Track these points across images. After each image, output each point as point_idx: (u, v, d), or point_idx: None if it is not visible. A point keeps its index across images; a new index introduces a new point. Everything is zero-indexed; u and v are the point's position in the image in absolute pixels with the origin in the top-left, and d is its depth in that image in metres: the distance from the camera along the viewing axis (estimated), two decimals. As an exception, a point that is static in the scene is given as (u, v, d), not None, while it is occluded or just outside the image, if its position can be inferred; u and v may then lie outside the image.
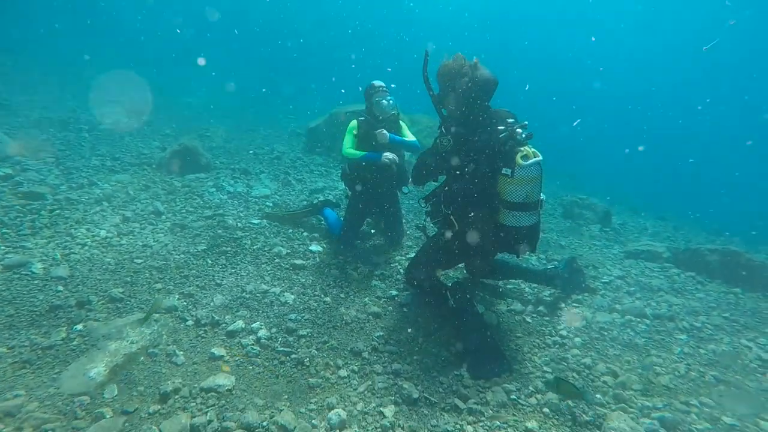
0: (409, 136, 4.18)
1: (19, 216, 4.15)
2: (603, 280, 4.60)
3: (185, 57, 17.32)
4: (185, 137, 6.65)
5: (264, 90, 15.30)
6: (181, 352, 2.73)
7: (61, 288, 3.20)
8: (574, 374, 2.95)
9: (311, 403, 2.45)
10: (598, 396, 2.74)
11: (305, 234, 4.66)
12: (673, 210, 10.42)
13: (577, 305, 3.92)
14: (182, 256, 3.89)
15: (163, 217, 4.62)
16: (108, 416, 2.17)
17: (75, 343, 2.70)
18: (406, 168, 4.30)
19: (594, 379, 2.93)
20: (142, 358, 2.65)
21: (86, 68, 11.69)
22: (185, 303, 3.23)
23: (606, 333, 3.52)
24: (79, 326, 2.84)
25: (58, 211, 4.37)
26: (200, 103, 11.58)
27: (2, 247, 3.61)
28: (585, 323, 3.63)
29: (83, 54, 12.38)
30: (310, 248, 4.32)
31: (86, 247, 3.82)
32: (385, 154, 3.93)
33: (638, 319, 3.80)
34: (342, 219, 4.52)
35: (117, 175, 5.54)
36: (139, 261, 3.70)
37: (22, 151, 5.64)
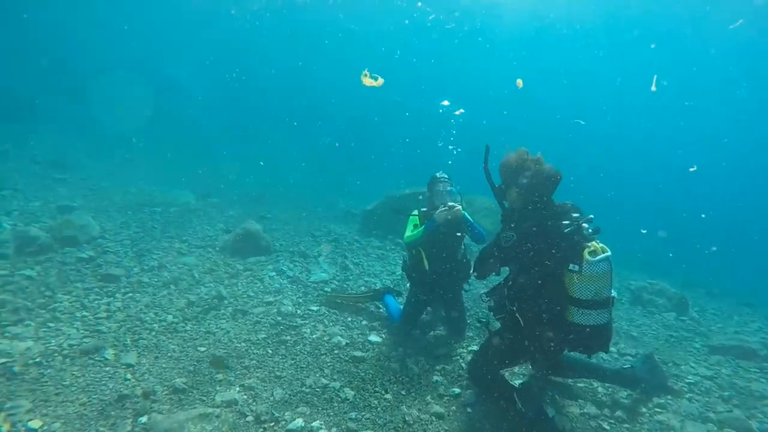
0: (476, 225, 4.20)
1: (97, 299, 4.41)
2: (688, 380, 4.13)
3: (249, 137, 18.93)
4: (247, 219, 7.00)
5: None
6: (241, 453, 2.63)
7: (129, 376, 3.27)
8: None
9: None
10: None
11: (364, 323, 4.59)
12: (762, 293, 9.41)
13: (660, 410, 3.49)
14: (243, 344, 3.90)
15: (225, 302, 4.74)
16: None
17: (139, 438, 2.68)
18: (467, 260, 4.26)
19: None
20: (202, 458, 2.57)
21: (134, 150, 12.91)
22: (245, 396, 3.17)
23: (704, 449, 3.08)
24: (144, 418, 2.83)
25: (130, 294, 4.60)
26: (259, 184, 12.32)
27: (81, 331, 3.79)
28: (674, 434, 3.21)
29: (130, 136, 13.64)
30: (369, 338, 4.22)
31: (153, 333, 3.94)
32: (437, 213, 3.87)
33: (742, 435, 3.31)
34: (402, 307, 4.44)
35: (184, 258, 5.85)
36: (202, 349, 3.75)
37: (103, 233, 6.15)
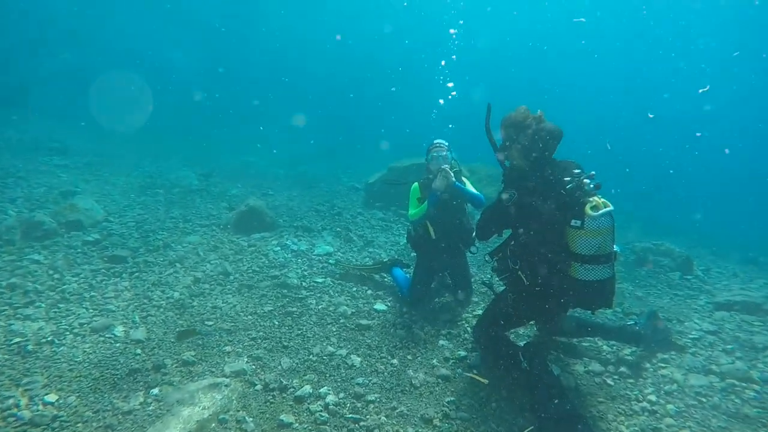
0: (473, 191, 4.16)
1: (105, 279, 4.48)
2: (691, 336, 4.16)
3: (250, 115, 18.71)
4: (251, 197, 7.02)
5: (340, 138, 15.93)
6: (251, 419, 2.70)
7: (139, 351, 3.35)
8: (676, 451, 2.61)
9: (384, 479, 2.31)
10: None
11: (369, 292, 4.64)
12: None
13: (664, 365, 3.54)
14: (250, 317, 3.97)
15: (231, 277, 4.80)
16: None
17: (151, 408, 2.76)
18: (471, 226, 4.25)
19: (701, 458, 2.57)
20: (213, 424, 2.66)
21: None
22: (254, 366, 3.25)
23: (705, 400, 3.13)
24: (156, 390, 2.92)
25: (137, 274, 4.67)
26: (262, 162, 12.29)
27: (90, 310, 3.87)
28: (677, 387, 3.25)
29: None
30: (374, 307, 4.27)
31: (161, 309, 4.01)
32: (434, 183, 3.93)
33: (744, 384, 3.34)
34: (410, 278, 4.48)
35: (189, 237, 5.89)
36: (210, 323, 3.82)
37: (108, 216, 6.20)
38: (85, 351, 3.30)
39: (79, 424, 2.57)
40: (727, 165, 23.40)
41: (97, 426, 2.57)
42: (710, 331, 4.31)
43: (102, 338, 3.49)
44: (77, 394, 2.82)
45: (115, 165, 9.34)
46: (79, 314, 3.79)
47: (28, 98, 13.30)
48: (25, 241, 5.07)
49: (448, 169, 3.91)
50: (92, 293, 4.18)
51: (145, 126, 13.86)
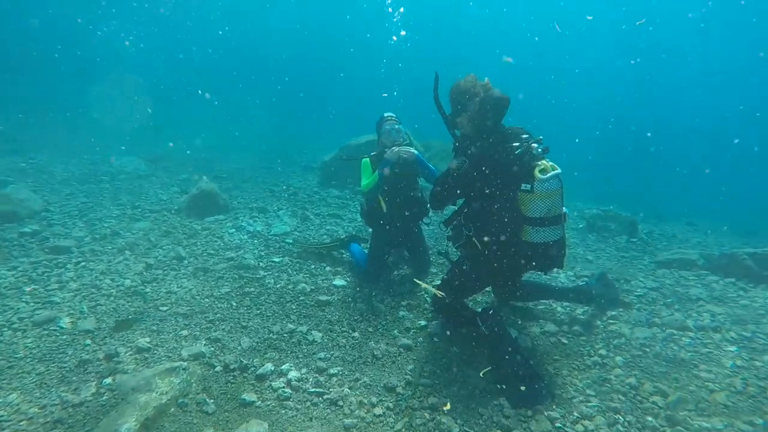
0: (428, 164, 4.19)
1: (47, 271, 4.21)
2: (637, 293, 4.43)
3: (191, 93, 17.84)
4: (202, 180, 6.76)
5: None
6: (212, 400, 2.66)
7: (89, 341, 3.19)
8: (620, 396, 2.79)
9: (348, 446, 2.35)
10: (649, 419, 2.57)
11: (328, 269, 4.62)
12: (701, 215, 10.08)
13: (613, 321, 3.76)
14: (206, 300, 3.86)
15: (185, 261, 4.64)
16: (141, 475, 2.10)
17: (105, 398, 2.65)
18: (424, 198, 4.28)
19: (642, 400, 2.77)
20: (172, 409, 2.59)
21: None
22: (212, 348, 3.18)
23: (648, 349, 3.35)
24: (108, 380, 2.80)
25: (83, 264, 4.42)
26: (210, 145, 11.81)
27: (31, 304, 3.64)
28: (624, 340, 3.47)
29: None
30: (334, 283, 4.26)
31: (111, 298, 3.83)
32: (388, 153, 3.89)
33: (681, 333, 3.62)
34: (366, 253, 4.48)
35: (138, 223, 5.63)
36: (164, 308, 3.69)
37: (48, 206, 5.81)
38: (26, 346, 3.10)
39: (23, 422, 2.43)
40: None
41: (45, 422, 2.44)
42: (653, 287, 4.60)
43: (46, 331, 3.29)
44: (19, 392, 2.66)
45: (53, 153, 8.72)
46: (17, 309, 3.54)
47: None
48: (-48, 236, 4.68)
49: (412, 150, 3.91)
50: (33, 286, 3.92)
51: (85, 109, 12.98)
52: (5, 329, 3.27)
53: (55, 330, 3.31)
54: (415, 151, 3.92)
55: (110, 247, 4.86)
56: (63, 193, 6.53)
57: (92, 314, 3.56)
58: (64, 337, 3.24)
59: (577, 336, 3.51)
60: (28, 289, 3.87)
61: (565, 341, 3.44)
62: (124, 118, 13.04)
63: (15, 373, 2.83)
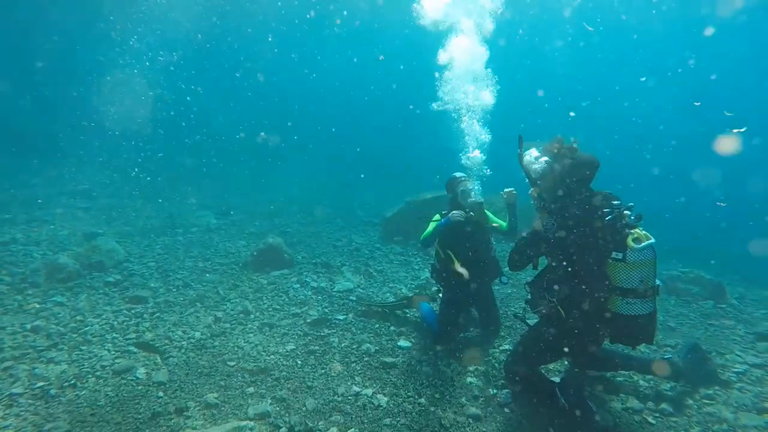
0: (499, 221, 4.15)
1: (126, 320, 4.46)
2: (735, 370, 3.92)
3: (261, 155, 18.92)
4: (269, 234, 7.05)
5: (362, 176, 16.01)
6: (277, 465, 2.59)
7: (161, 394, 3.27)
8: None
9: None
10: None
11: (392, 329, 4.52)
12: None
13: (709, 402, 3.33)
14: (272, 357, 3.88)
15: (252, 316, 4.74)
16: None
17: (175, 454, 2.66)
18: (496, 257, 4.20)
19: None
20: (239, 471, 2.54)
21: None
22: (278, 408, 3.14)
23: (760, 441, 2.91)
24: (179, 435, 2.82)
25: (158, 314, 4.64)
26: (276, 199, 12.40)
27: (113, 352, 3.83)
28: (727, 426, 3.04)
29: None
30: (398, 344, 4.15)
31: (183, 350, 3.95)
32: (453, 212, 3.92)
33: (800, 422, 3.12)
34: (437, 313, 4.35)
35: (208, 276, 5.89)
36: (232, 363, 3.74)
37: (129, 257, 6.27)
38: (107, 395, 3.23)
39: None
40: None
41: (119, 474, 2.48)
42: (755, 364, 4.06)
43: (124, 381, 3.42)
44: (99, 441, 2.75)
45: (135, 205, 9.54)
46: (101, 356, 3.75)
47: (57, 145, 13.82)
48: (50, 283, 5.12)
49: (481, 200, 3.95)
50: (114, 334, 4.15)
51: (155, 164, 14.16)
52: (90, 376, 3.45)
53: (132, 380, 3.44)
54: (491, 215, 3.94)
55: (182, 299, 5.09)
56: (142, 244, 7.05)
57: (165, 366, 3.67)
58: (140, 387, 3.35)
59: (666, 416, 3.14)
60: (110, 337, 4.10)
61: (653, 421, 3.08)
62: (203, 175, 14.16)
63: (96, 420, 2.93)
